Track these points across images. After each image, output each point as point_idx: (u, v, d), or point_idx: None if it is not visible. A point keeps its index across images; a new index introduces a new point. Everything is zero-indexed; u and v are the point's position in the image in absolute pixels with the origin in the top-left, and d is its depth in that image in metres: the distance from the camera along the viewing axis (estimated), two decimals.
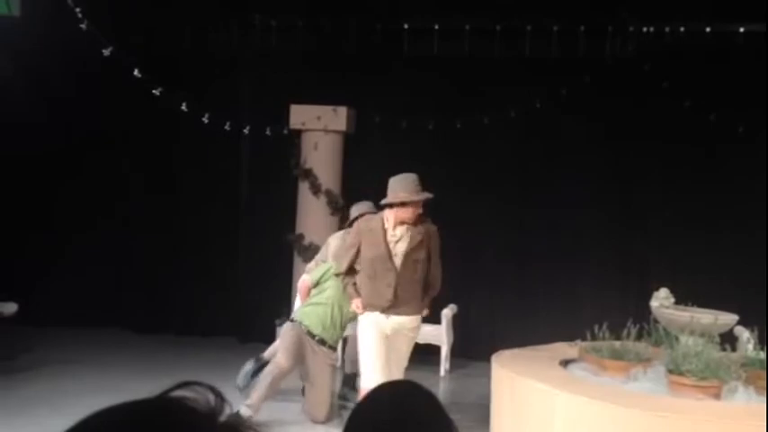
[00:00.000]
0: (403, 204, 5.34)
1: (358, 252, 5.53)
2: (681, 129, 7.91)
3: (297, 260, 8.46)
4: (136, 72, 7.18)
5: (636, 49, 7.88)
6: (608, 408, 4.57)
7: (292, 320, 6.39)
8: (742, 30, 7.69)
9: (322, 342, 6.26)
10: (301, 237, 8.42)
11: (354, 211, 6.41)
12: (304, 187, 8.46)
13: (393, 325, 5.47)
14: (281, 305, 8.55)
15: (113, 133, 8.98)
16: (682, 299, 5.87)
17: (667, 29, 7.80)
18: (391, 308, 5.44)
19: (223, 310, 8.87)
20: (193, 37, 8.62)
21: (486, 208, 8.35)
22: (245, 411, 5.82)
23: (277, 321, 8.43)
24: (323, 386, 6.26)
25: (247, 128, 8.48)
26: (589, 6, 7.93)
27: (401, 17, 8.30)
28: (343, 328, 6.41)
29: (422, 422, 1.45)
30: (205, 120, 7.81)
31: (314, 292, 6.43)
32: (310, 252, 8.35)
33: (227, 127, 8.15)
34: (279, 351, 6.27)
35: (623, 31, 7.92)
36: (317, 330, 6.25)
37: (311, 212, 8.42)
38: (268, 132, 8.47)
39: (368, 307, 5.50)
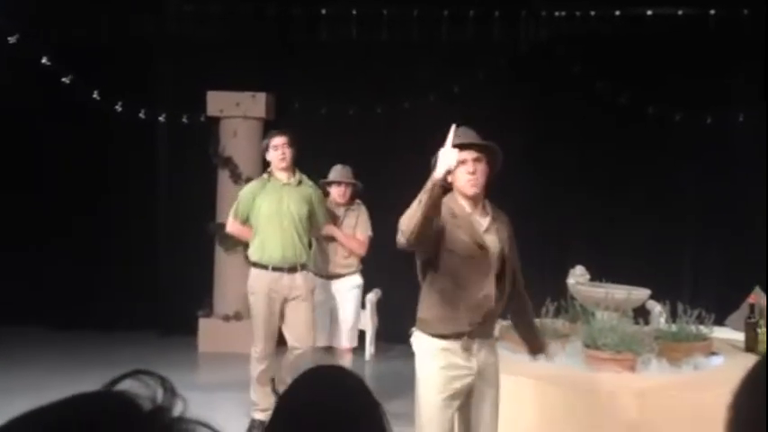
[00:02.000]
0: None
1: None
2: (593, 110, 8.13)
3: (218, 250, 8.35)
4: (44, 60, 6.93)
5: (548, 33, 8.05)
6: (528, 383, 4.69)
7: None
8: (650, 12, 7.93)
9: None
10: (222, 226, 8.30)
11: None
12: (224, 175, 8.35)
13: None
14: (202, 296, 8.45)
15: (24, 123, 8.66)
16: (596, 276, 6.07)
17: (578, 13, 7.99)
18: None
19: (143, 304, 8.69)
20: (106, 24, 8.37)
21: (406, 192, 8.40)
22: (260, 416, 5.69)
23: (199, 313, 8.33)
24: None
25: (163, 116, 8.31)
26: None
27: (319, 2, 8.25)
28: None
29: (350, 406, 1.46)
30: (118, 108, 7.61)
31: None
32: (232, 241, 8.26)
33: (141, 115, 7.96)
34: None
35: (536, 15, 8.07)
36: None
37: (232, 200, 8.26)
38: (185, 120, 8.32)
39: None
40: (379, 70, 8.36)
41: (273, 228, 5.71)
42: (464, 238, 3.66)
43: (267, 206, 5.76)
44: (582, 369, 5.05)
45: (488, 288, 3.67)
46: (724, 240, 8.04)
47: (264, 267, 5.73)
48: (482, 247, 3.68)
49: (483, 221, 3.77)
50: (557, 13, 8.04)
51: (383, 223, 8.19)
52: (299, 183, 5.87)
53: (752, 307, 7.08)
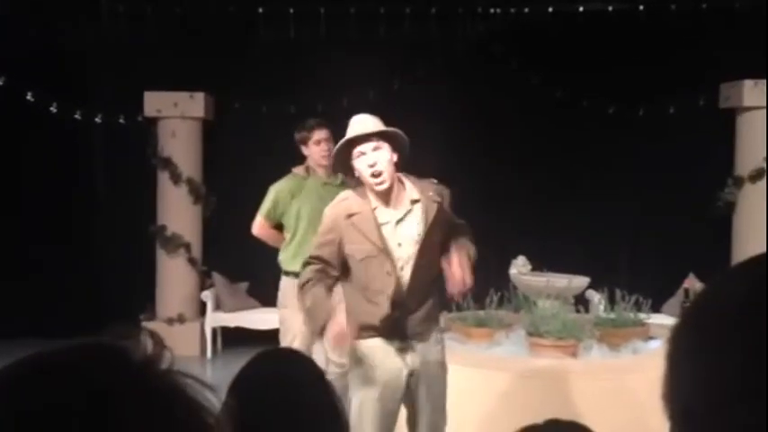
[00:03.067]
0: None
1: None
2: (530, 104, 8.28)
3: (160, 252, 8.25)
4: None
5: (485, 29, 8.17)
6: (475, 372, 4.76)
7: None
8: (582, 9, 8.12)
9: None
10: (163, 228, 8.22)
11: None
12: (163, 176, 8.24)
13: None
14: (144, 300, 8.33)
15: None
16: (538, 265, 6.20)
17: (513, 9, 8.13)
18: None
19: (83, 309, 8.52)
20: (40, 25, 8.18)
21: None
22: None
23: (141, 317, 8.21)
24: None
25: (99, 117, 8.16)
26: None
27: (256, 1, 8.22)
28: None
29: (302, 385, 1.49)
30: (53, 109, 7.45)
31: None
32: (173, 243, 8.17)
33: (77, 116, 7.81)
34: None
35: (472, 12, 8.19)
36: None
37: (173, 202, 8.23)
38: (122, 121, 8.19)
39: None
40: (318, 68, 8.36)
41: (315, 232, 4.84)
42: (359, 239, 3.47)
43: (308, 208, 5.08)
44: (526, 356, 5.16)
45: (394, 288, 3.44)
46: (659, 228, 8.27)
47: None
48: (380, 246, 3.46)
49: (392, 213, 3.54)
50: (492, 10, 8.16)
51: None
52: (342, 183, 4.91)
53: (686, 292, 7.34)
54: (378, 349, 3.52)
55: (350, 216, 3.51)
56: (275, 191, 5.32)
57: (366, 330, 3.48)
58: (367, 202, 3.53)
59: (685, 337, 0.74)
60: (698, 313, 0.75)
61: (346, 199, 3.58)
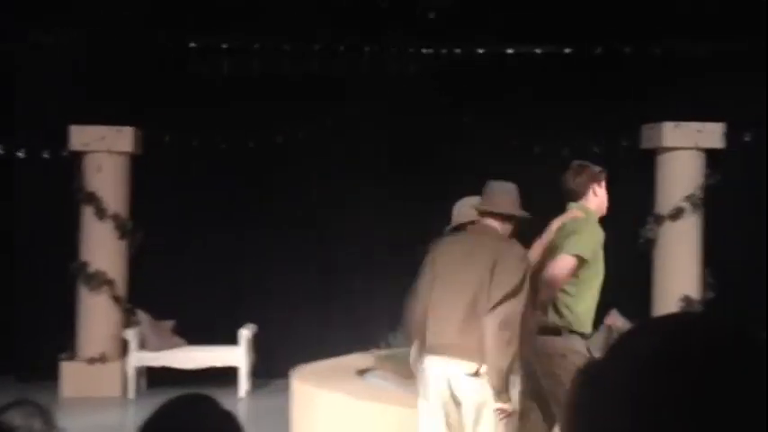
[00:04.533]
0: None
1: None
2: (462, 142, 8.40)
3: (82, 289, 8.00)
4: None
5: (417, 68, 8.28)
6: (402, 412, 4.73)
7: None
8: (510, 51, 8.32)
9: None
10: (85, 264, 7.98)
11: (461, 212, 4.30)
12: (88, 212, 8.03)
13: None
14: (65, 339, 8.05)
15: None
16: None
17: (444, 51, 8.27)
18: None
19: (0, 348, 8.20)
20: None
21: (282, 223, 8.40)
22: None
23: (62, 356, 7.93)
24: None
25: (22, 151, 7.94)
26: (373, 28, 8.23)
27: (188, 35, 8.17)
28: None
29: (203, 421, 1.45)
30: None
31: None
32: (96, 280, 7.95)
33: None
34: None
35: (405, 51, 8.30)
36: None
37: (97, 238, 8.01)
38: (46, 155, 7.98)
39: None
40: (251, 104, 8.33)
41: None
42: None
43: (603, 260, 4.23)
44: None
45: None
46: None
47: (583, 336, 4.12)
48: None
49: None
50: (424, 50, 8.29)
51: (248, 256, 8.24)
52: None
53: (609, 328, 7.46)
54: None
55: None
56: (599, 231, 4.20)
57: None
58: None
59: (588, 390, 0.74)
60: (602, 367, 0.75)
61: None
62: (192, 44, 8.22)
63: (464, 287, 3.68)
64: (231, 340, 7.96)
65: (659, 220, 7.97)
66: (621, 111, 8.00)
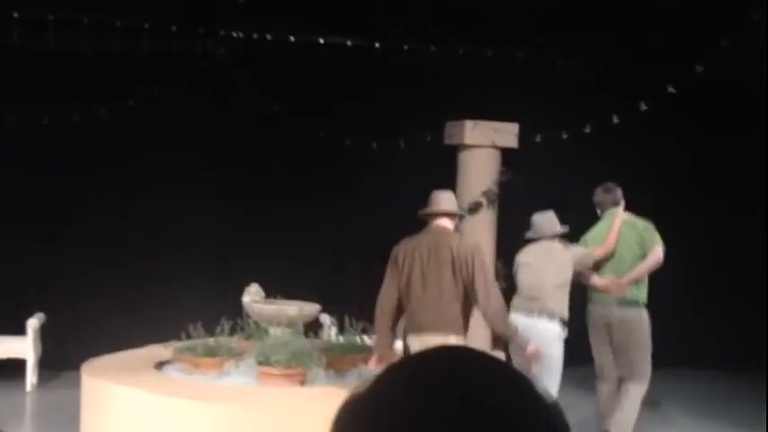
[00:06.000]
0: None
1: None
2: (269, 130, 8.35)
3: None
4: None
5: (227, 52, 8.12)
6: (199, 405, 4.65)
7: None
8: (322, 41, 8.35)
9: None
10: None
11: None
12: None
13: None
14: None
15: None
16: (275, 292, 6.22)
17: (255, 35, 8.16)
18: None
19: None
20: None
21: (74, 206, 7.97)
22: None
23: None
24: None
25: None
26: (182, 8, 7.95)
27: (11, 5, 7.52)
28: None
29: None
30: None
31: None
32: None
33: None
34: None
35: (215, 34, 8.10)
36: None
37: None
38: None
39: None
40: (47, 80, 7.81)
41: None
42: None
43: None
44: (254, 386, 5.14)
45: None
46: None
47: None
48: None
49: None
50: (235, 34, 8.13)
51: (31, 240, 7.76)
52: None
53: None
54: None
55: None
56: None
57: None
58: None
59: (351, 419, 0.75)
60: (364, 399, 0.76)
61: None
62: (16, 14, 7.59)
63: (436, 275, 4.67)
64: (18, 330, 7.46)
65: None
66: (428, 107, 8.27)
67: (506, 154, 7.81)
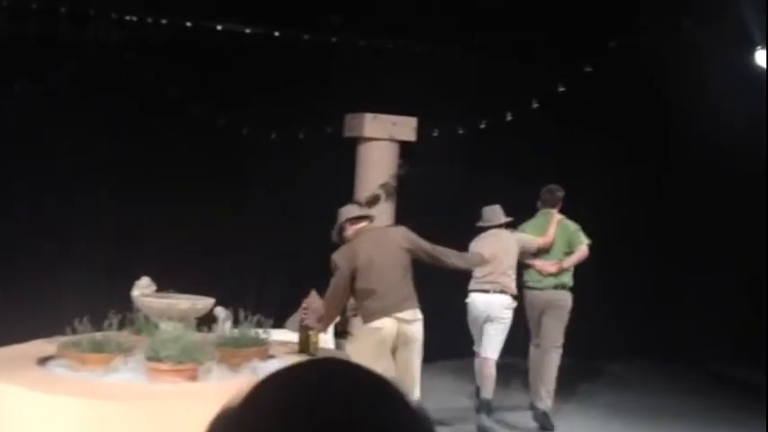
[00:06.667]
0: None
1: None
2: (164, 117, 8.14)
3: None
4: None
5: (119, 37, 7.86)
6: (83, 403, 4.49)
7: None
8: (220, 27, 8.19)
9: None
10: None
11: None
12: None
13: None
14: None
15: None
16: (167, 286, 6.06)
17: (150, 19, 7.93)
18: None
19: None
20: None
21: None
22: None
23: None
24: None
25: None
26: None
27: None
28: None
29: None
30: None
31: None
32: None
33: None
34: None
35: (106, 17, 7.83)
36: None
37: None
38: None
39: None
40: None
41: None
42: None
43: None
44: (142, 383, 5.00)
45: None
46: (289, 247, 8.62)
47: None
48: None
49: None
50: (128, 18, 7.87)
51: None
52: None
53: (305, 309, 7.70)
54: None
55: None
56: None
57: None
58: None
59: None
60: (238, 414, 0.74)
61: None
62: None
63: (393, 261, 5.77)
64: None
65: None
66: (329, 99, 8.24)
67: (404, 147, 7.87)
